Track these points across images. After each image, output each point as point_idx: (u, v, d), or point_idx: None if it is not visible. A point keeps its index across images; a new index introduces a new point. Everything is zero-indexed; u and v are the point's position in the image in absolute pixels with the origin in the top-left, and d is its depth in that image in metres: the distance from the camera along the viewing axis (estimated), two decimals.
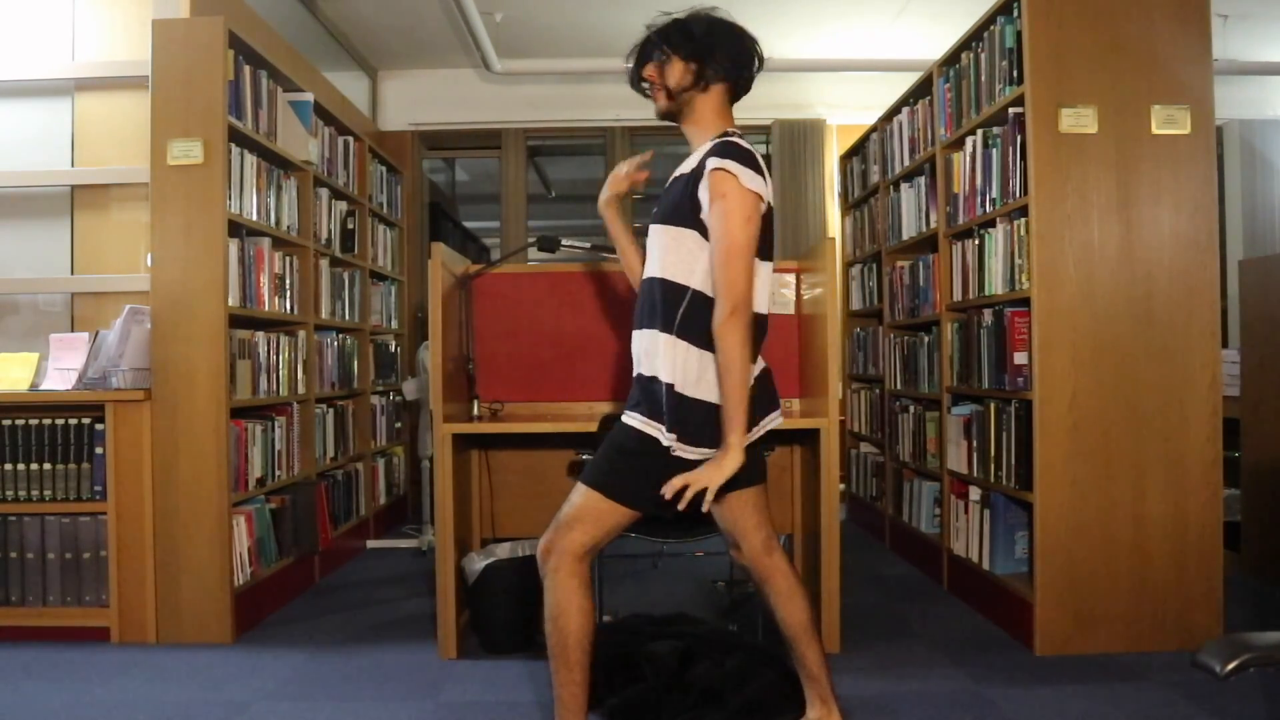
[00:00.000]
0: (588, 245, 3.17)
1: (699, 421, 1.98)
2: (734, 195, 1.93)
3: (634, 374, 2.11)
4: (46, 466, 3.18)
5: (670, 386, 1.99)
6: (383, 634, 3.29)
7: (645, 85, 2.12)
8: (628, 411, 2.08)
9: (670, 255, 2.03)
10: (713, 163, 1.96)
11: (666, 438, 1.98)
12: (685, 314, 2.01)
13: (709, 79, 2.05)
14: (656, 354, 2.03)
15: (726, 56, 2.06)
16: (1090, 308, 2.95)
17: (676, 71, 2.06)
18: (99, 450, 3.16)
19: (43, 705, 2.62)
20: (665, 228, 2.05)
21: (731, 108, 2.12)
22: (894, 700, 2.62)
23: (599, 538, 2.04)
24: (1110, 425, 2.94)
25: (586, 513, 2.03)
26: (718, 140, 2.02)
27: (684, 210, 2.01)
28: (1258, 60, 5.68)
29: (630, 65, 2.14)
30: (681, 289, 2.02)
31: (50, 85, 3.70)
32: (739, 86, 2.11)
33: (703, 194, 1.97)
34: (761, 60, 2.12)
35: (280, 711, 2.58)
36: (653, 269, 2.08)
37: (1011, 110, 3.14)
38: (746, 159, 1.96)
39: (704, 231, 1.99)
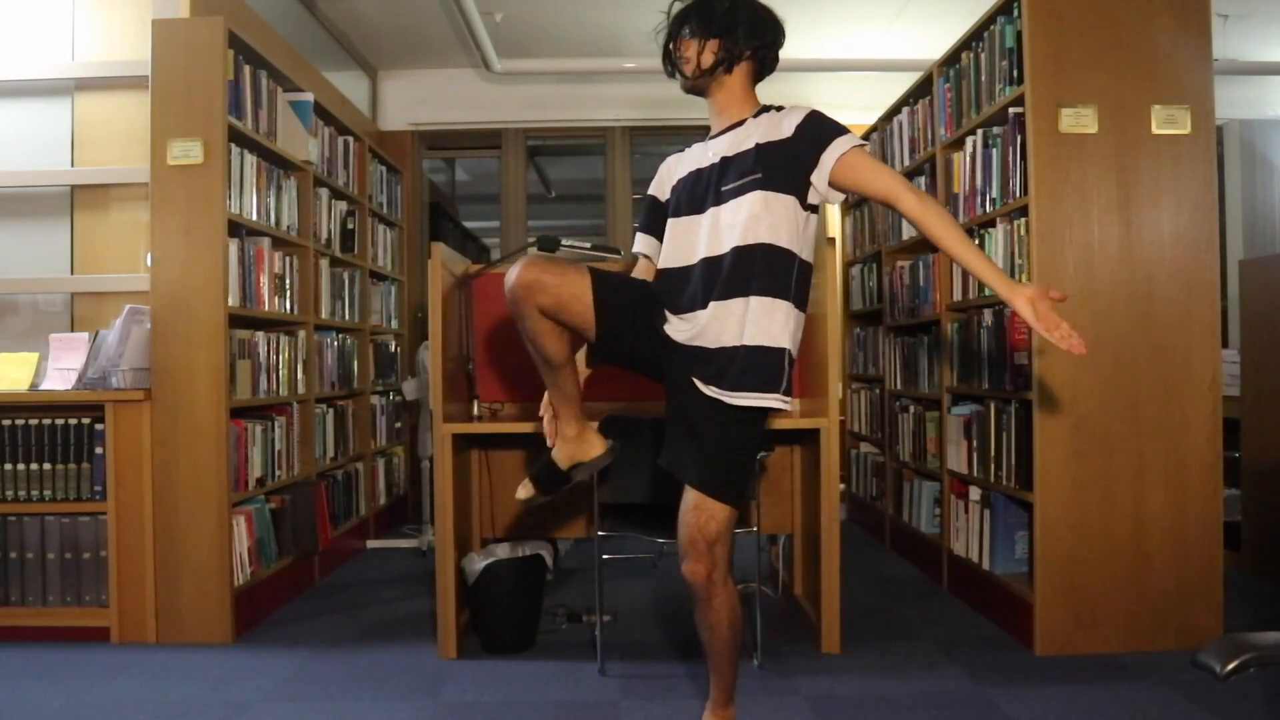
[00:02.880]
0: (588, 245, 3.17)
1: (774, 369, 2.06)
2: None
3: (714, 346, 2.05)
4: (46, 466, 3.18)
5: (788, 351, 2.06)
6: (383, 634, 3.29)
7: (676, 60, 2.17)
8: (728, 391, 2.02)
9: (766, 221, 2.03)
10: (844, 141, 2.04)
11: (783, 401, 2.05)
12: (797, 280, 2.08)
13: (735, 57, 2.13)
14: (774, 321, 2.03)
15: (750, 34, 2.13)
16: (1090, 308, 2.95)
17: (704, 49, 2.13)
18: (99, 450, 3.16)
19: (43, 705, 2.62)
20: (763, 194, 2.04)
21: (755, 85, 2.21)
22: (894, 700, 2.62)
23: (731, 540, 2.13)
24: (1110, 425, 2.94)
25: (726, 526, 2.05)
26: (793, 109, 2.11)
27: (786, 176, 2.06)
28: (1258, 60, 5.68)
29: (661, 42, 2.20)
30: (789, 255, 2.07)
31: (50, 85, 3.70)
32: (766, 64, 2.19)
33: (827, 156, 2.04)
34: (783, 37, 2.20)
35: (280, 711, 2.58)
36: (750, 236, 2.04)
37: (1011, 110, 3.14)
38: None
39: (803, 198, 2.07)
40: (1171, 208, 2.97)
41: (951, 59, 3.69)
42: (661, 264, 2.21)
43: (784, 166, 2.06)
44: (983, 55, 3.38)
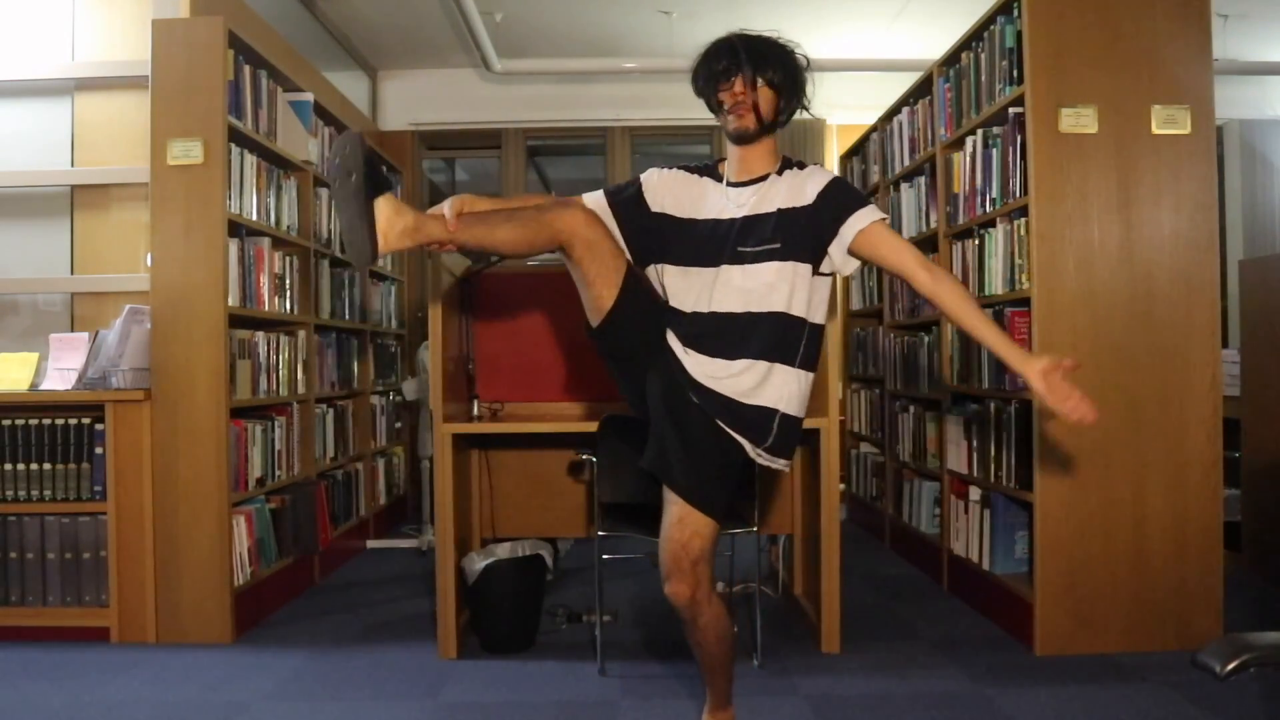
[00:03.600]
0: None
1: (792, 436, 2.11)
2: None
3: (738, 399, 2.06)
4: (46, 466, 3.18)
5: (778, 411, 2.08)
6: (383, 634, 3.29)
7: (732, 99, 2.05)
8: (765, 454, 2.08)
9: (782, 291, 2.05)
10: (866, 215, 2.06)
11: (754, 452, 2.08)
12: (806, 344, 2.10)
13: (790, 119, 2.11)
14: (768, 385, 2.07)
15: (799, 103, 2.11)
16: (1090, 308, 2.95)
17: (770, 100, 2.07)
18: (99, 450, 3.16)
19: (43, 705, 2.62)
20: (778, 265, 2.05)
21: None
22: (894, 700, 2.62)
23: (714, 554, 2.10)
24: (1110, 425, 2.93)
25: (711, 543, 2.04)
26: (815, 170, 2.12)
27: (804, 244, 2.07)
28: (1258, 60, 5.68)
29: (714, 67, 2.06)
30: (801, 322, 2.09)
31: (50, 85, 3.70)
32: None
33: (847, 230, 2.06)
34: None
35: (280, 711, 2.58)
36: (764, 304, 2.05)
37: (1011, 110, 3.14)
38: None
39: (818, 265, 2.10)
40: (1171, 208, 2.97)
41: (951, 59, 3.68)
42: (673, 302, 2.14)
43: (803, 234, 2.07)
44: (983, 55, 3.38)
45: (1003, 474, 3.24)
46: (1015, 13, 3.08)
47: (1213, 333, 2.98)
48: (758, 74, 2.03)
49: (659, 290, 2.18)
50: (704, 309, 2.08)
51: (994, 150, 3.31)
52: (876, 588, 3.87)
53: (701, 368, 2.07)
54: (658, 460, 2.06)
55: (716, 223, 2.11)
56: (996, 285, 3.28)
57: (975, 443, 3.48)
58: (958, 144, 3.63)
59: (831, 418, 2.97)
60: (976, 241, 3.43)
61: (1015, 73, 3.08)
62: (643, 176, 2.24)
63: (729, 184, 2.14)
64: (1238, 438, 3.80)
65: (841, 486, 4.93)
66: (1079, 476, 2.93)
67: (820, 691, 2.69)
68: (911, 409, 4.29)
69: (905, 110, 4.34)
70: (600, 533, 2.85)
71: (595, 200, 2.21)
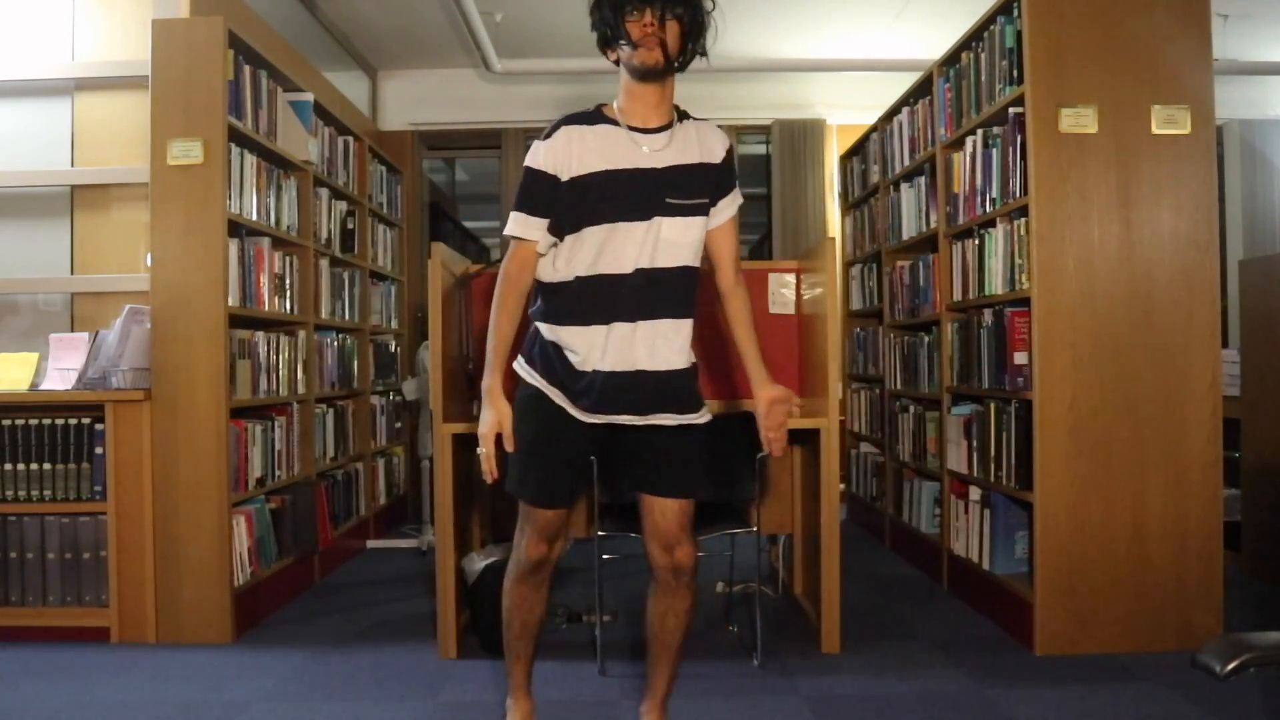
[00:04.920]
0: None
1: (696, 384, 2.14)
2: None
3: (649, 369, 2.01)
4: (46, 466, 3.18)
5: (690, 369, 2.10)
6: (383, 634, 3.29)
7: (640, 33, 1.93)
8: (690, 415, 2.07)
9: (694, 243, 2.05)
10: (735, 197, 2.13)
11: (704, 416, 2.10)
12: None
13: (694, 58, 2.01)
14: (689, 340, 2.08)
15: (699, 47, 2.01)
16: (1090, 308, 2.95)
17: (676, 37, 1.95)
18: (99, 450, 3.16)
19: (43, 705, 2.62)
20: (703, 219, 2.07)
21: None
22: (894, 700, 2.62)
23: None
24: (1110, 425, 2.94)
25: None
26: (707, 126, 2.11)
27: (711, 202, 2.09)
28: (1258, 60, 5.68)
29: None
30: (696, 272, 2.09)
31: (50, 85, 3.70)
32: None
33: (727, 204, 2.12)
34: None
35: (280, 711, 2.58)
36: (683, 257, 2.03)
37: (1011, 110, 3.14)
38: None
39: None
40: (1171, 208, 2.97)
41: (951, 59, 3.68)
42: (579, 270, 2.01)
43: (713, 191, 2.09)
44: (983, 55, 3.38)
45: (1003, 474, 3.24)
46: (1015, 13, 3.08)
47: (1213, 333, 2.98)
48: (667, 8, 1.92)
49: (580, 256, 2.01)
50: (628, 269, 1.99)
51: (994, 150, 3.31)
52: (876, 588, 3.87)
53: (611, 345, 2.00)
54: (644, 481, 2.08)
55: (641, 173, 1.99)
56: (996, 285, 3.28)
57: (975, 443, 3.48)
58: (958, 144, 3.63)
59: (831, 418, 2.97)
60: (976, 241, 3.43)
61: (1015, 73, 3.08)
62: (539, 162, 2.02)
63: (632, 129, 2.02)
64: (1238, 438, 3.81)
65: (841, 486, 4.92)
66: (1079, 476, 2.93)
67: (820, 691, 2.69)
68: (911, 409, 4.29)
69: (905, 110, 4.34)
70: (600, 533, 2.85)
71: (524, 227, 2.03)
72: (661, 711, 2.22)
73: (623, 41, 1.95)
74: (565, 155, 2.00)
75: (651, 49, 1.93)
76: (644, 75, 1.98)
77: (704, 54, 2.02)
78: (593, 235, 1.99)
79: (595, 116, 2.05)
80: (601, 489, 2.85)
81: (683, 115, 2.09)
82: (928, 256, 4.03)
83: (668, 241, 2.01)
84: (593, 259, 2.00)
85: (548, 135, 2.03)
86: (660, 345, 2.03)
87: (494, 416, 2.02)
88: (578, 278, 2.01)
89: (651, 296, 2.01)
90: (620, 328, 2.00)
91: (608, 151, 2.00)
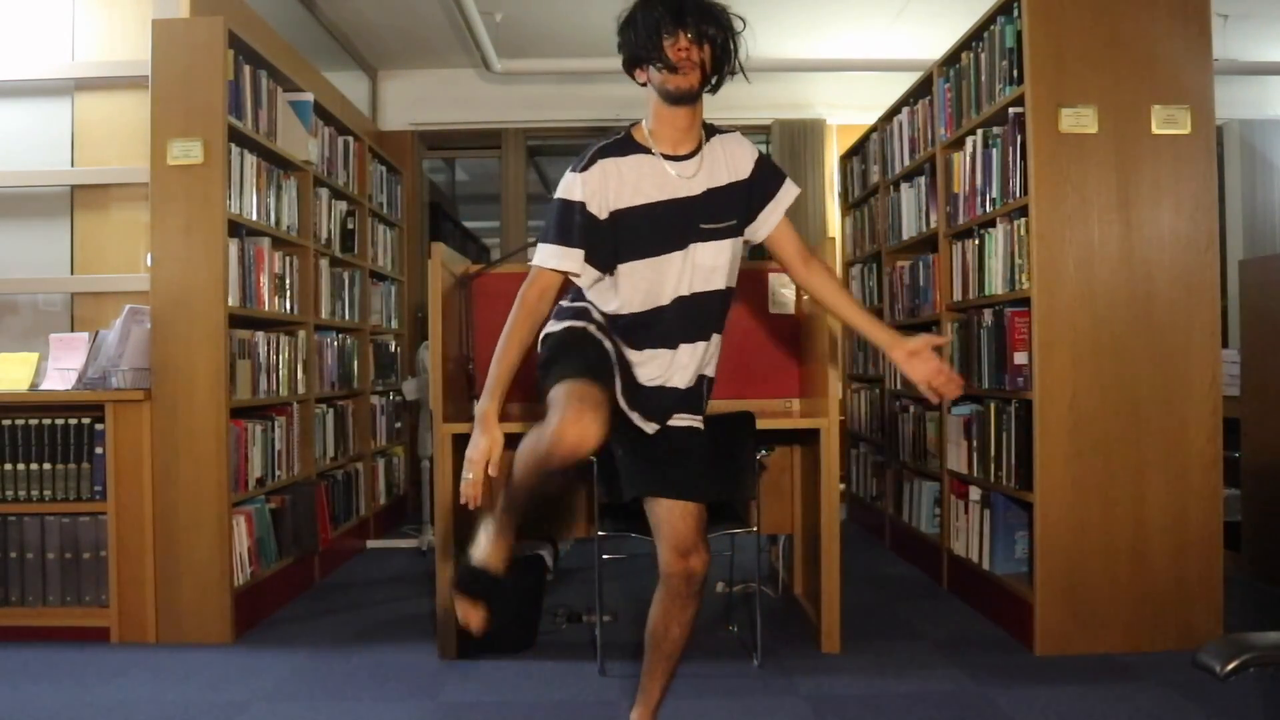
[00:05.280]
0: None
1: (709, 392, 2.16)
2: None
3: (688, 382, 2.05)
4: (46, 466, 3.18)
5: (710, 377, 2.13)
6: (383, 634, 3.29)
7: (678, 56, 1.88)
8: (689, 416, 2.08)
9: (727, 265, 2.04)
10: (786, 194, 2.08)
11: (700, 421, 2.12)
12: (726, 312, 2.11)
13: (718, 86, 1.99)
14: (712, 358, 2.10)
15: (730, 69, 1.98)
16: (1090, 308, 2.95)
17: (710, 60, 1.92)
18: (99, 450, 3.16)
19: (43, 705, 2.62)
20: (736, 240, 2.06)
21: None
22: (894, 700, 2.62)
23: None
24: (1110, 425, 2.94)
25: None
26: (734, 138, 2.08)
27: (744, 220, 2.06)
28: (1258, 60, 5.68)
29: (657, 18, 1.90)
30: (731, 292, 2.09)
31: (50, 85, 3.69)
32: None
33: (773, 209, 2.07)
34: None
35: (280, 711, 2.58)
36: (717, 281, 2.03)
37: (1011, 110, 3.14)
38: None
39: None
40: (1171, 208, 2.97)
41: (951, 59, 3.68)
42: (634, 307, 2.00)
43: (744, 208, 2.05)
44: (983, 55, 3.38)
45: (1003, 474, 3.24)
46: (1015, 13, 3.08)
47: (1213, 333, 2.98)
48: (703, 31, 1.88)
49: (627, 295, 2.00)
50: (666, 300, 1.99)
51: (994, 150, 3.31)
52: (876, 588, 3.87)
53: (656, 368, 2.02)
54: (652, 483, 2.07)
55: (680, 202, 1.98)
56: (996, 285, 3.28)
57: (975, 443, 3.48)
58: (958, 144, 3.63)
59: (831, 418, 2.97)
60: (976, 242, 3.43)
61: (1015, 73, 3.08)
62: (577, 194, 1.97)
63: (664, 157, 1.98)
64: (1238, 438, 3.80)
65: (841, 486, 4.93)
66: (1079, 476, 2.93)
67: (820, 691, 2.69)
68: (911, 409, 4.29)
69: (905, 110, 4.34)
70: (600, 533, 2.85)
71: (558, 258, 1.98)
72: (654, 719, 2.21)
73: (660, 65, 1.90)
74: (601, 189, 1.97)
75: (688, 73, 1.89)
76: (678, 100, 1.94)
77: (738, 72, 2.00)
78: (637, 270, 1.98)
79: (627, 145, 2.00)
80: (602, 489, 2.85)
81: (710, 131, 2.06)
82: (928, 256, 4.03)
83: (702, 267, 2.00)
84: (643, 296, 2.00)
85: (584, 167, 1.98)
86: (693, 365, 2.05)
87: (486, 443, 1.94)
88: (632, 314, 2.01)
89: (688, 324, 2.01)
90: (661, 354, 2.02)
91: (643, 184, 1.97)
